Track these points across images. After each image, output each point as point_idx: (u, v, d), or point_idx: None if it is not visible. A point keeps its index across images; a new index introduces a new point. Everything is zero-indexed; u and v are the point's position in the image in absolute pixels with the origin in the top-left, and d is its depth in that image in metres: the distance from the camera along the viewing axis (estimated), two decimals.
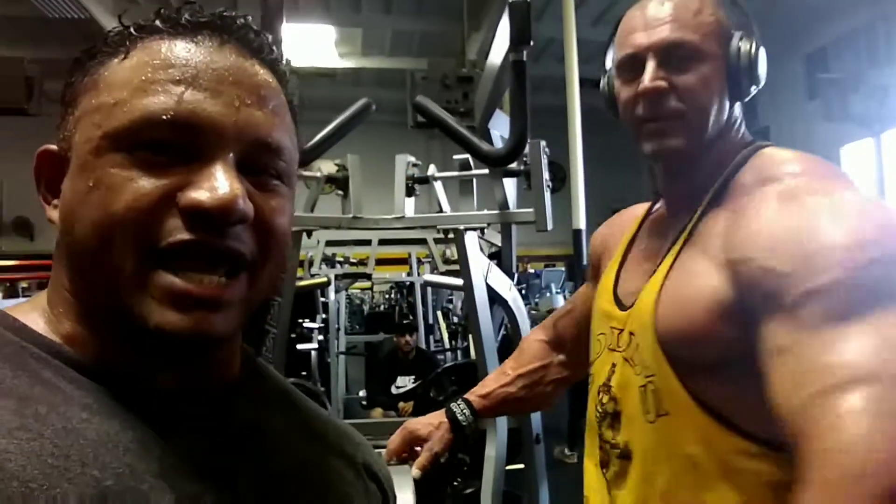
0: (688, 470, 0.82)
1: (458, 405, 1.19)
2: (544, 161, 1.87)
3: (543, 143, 1.86)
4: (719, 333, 0.79)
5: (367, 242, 5.92)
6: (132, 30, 0.49)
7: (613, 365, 0.94)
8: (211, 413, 0.51)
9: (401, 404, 4.50)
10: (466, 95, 5.73)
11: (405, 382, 4.68)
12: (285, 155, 0.51)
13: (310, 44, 9.78)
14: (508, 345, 2.32)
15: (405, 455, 1.17)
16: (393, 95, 9.63)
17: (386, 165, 2.74)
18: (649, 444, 0.87)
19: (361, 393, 5.57)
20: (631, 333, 0.91)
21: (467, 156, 2.01)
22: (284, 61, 0.54)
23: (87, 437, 0.43)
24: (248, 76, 0.49)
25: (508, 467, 2.18)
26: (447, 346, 6.67)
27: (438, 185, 2.17)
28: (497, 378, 1.25)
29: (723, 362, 0.80)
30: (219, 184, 0.45)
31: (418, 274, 6.25)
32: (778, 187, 0.81)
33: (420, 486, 1.06)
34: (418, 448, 1.18)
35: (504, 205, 1.97)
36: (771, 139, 0.97)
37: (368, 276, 6.31)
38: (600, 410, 0.95)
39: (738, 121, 0.93)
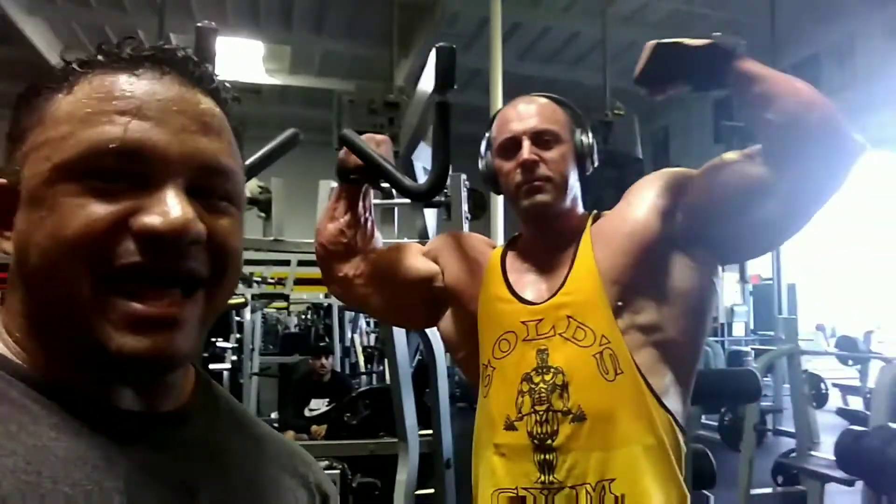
0: (636, 411, 1.10)
1: None
2: (464, 193, 1.93)
3: (464, 176, 1.93)
4: (660, 240, 1.14)
5: (287, 262, 5.84)
6: (75, 65, 0.50)
7: (541, 350, 1.14)
8: (170, 432, 0.52)
9: (314, 427, 4.43)
10: (392, 121, 5.75)
11: (319, 405, 4.61)
12: (233, 178, 0.52)
13: (237, 58, 9.64)
14: (423, 370, 2.35)
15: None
16: (319, 115, 9.60)
17: (310, 185, 2.72)
18: (607, 399, 1.10)
19: (273, 415, 5.45)
20: (569, 317, 1.13)
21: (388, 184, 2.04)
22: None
23: (56, 454, 0.45)
24: (191, 105, 0.51)
25: (420, 492, 2.20)
26: (363, 369, 6.63)
27: None
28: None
29: (657, 303, 1.14)
30: (170, 208, 0.46)
31: None
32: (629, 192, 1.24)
33: None
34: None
35: (423, 233, 2.02)
36: None
37: (286, 297, 6.22)
38: (545, 387, 1.12)
39: (579, 196, 1.27)
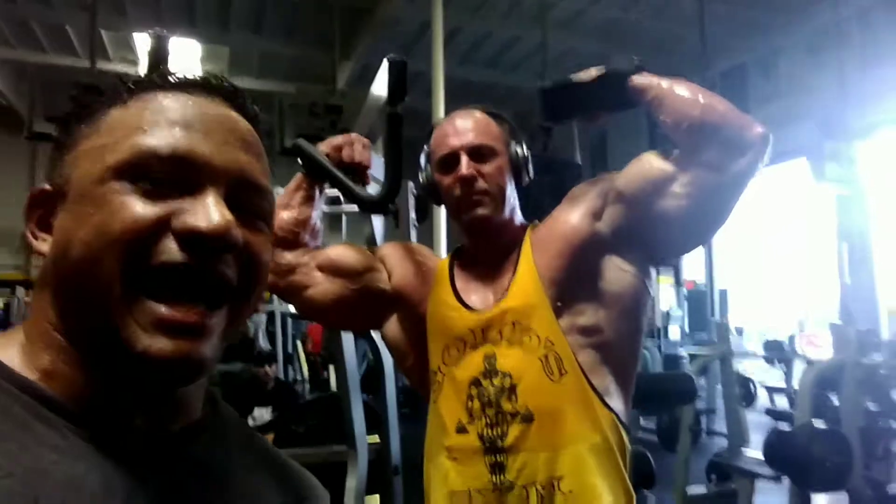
0: (581, 410, 1.15)
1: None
2: (411, 201, 1.95)
3: (411, 184, 1.95)
4: (592, 241, 1.20)
5: None
6: (130, 84, 0.54)
7: (488, 356, 1.18)
8: (176, 453, 0.53)
9: None
10: (334, 124, 5.74)
11: (262, 414, 4.54)
12: (268, 197, 0.56)
13: (172, 58, 9.42)
14: (372, 377, 2.35)
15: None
16: (260, 117, 9.43)
17: None
18: (553, 399, 1.15)
19: None
20: (514, 323, 1.18)
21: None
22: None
23: (55, 479, 0.45)
24: (235, 124, 0.55)
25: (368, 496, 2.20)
26: (306, 377, 6.56)
27: None
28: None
29: (595, 304, 1.19)
30: (212, 212, 0.49)
31: (279, 302, 6.12)
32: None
33: None
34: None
35: (371, 240, 2.03)
36: None
37: None
38: (494, 391, 1.16)
39: (517, 206, 1.32)
